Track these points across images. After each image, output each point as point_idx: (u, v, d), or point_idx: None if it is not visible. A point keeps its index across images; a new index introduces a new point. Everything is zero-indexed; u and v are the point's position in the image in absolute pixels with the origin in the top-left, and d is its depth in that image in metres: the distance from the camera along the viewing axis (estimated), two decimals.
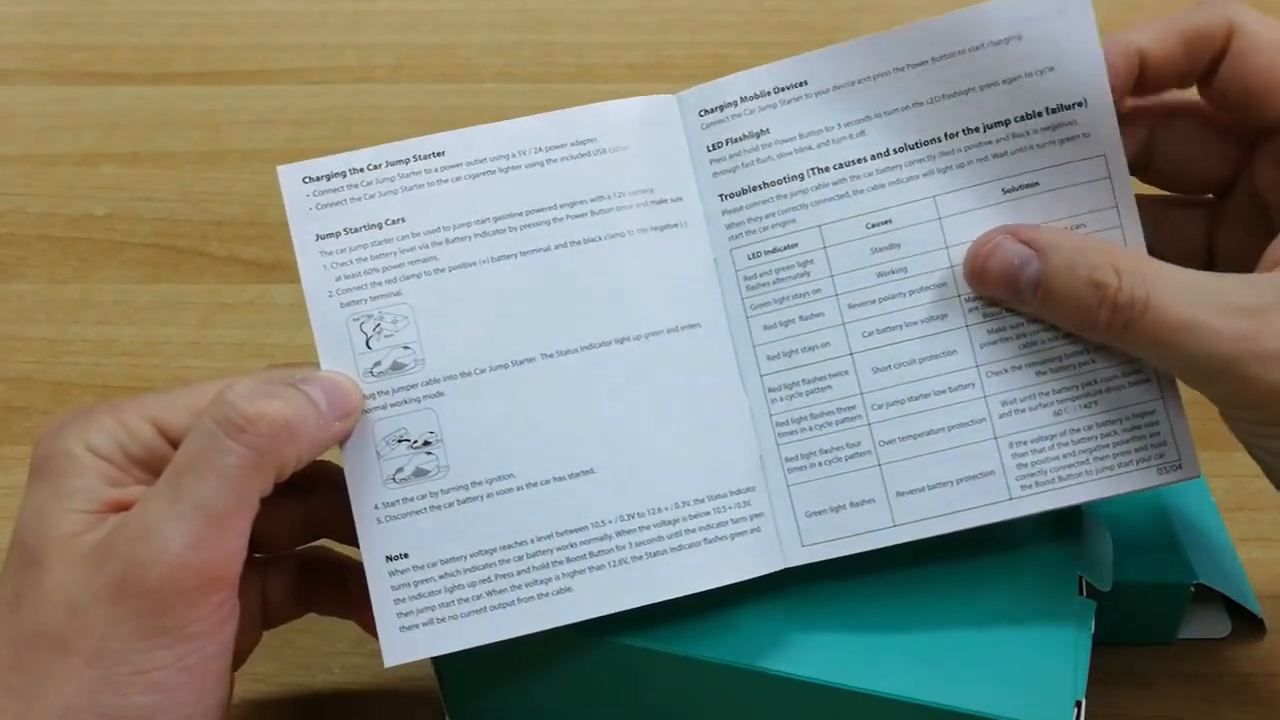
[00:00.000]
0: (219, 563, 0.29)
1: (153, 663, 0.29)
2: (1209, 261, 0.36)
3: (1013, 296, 0.32)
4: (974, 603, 0.34)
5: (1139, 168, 0.35)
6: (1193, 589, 0.40)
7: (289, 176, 0.34)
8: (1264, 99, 0.32)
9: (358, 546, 0.33)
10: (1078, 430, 0.33)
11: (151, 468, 0.32)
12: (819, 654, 0.33)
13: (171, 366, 0.54)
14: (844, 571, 0.34)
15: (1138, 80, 0.32)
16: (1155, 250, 0.33)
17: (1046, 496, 0.33)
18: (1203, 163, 0.34)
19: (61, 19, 0.73)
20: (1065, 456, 0.33)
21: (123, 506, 0.30)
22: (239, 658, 0.35)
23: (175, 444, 0.31)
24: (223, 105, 0.67)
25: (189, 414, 0.32)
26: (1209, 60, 0.32)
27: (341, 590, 0.37)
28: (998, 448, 0.33)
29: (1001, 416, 0.33)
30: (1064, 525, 0.36)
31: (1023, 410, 0.33)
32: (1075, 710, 0.31)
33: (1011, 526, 0.34)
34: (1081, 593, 0.34)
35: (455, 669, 0.38)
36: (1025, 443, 0.33)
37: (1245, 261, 0.33)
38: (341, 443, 0.33)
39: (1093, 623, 0.34)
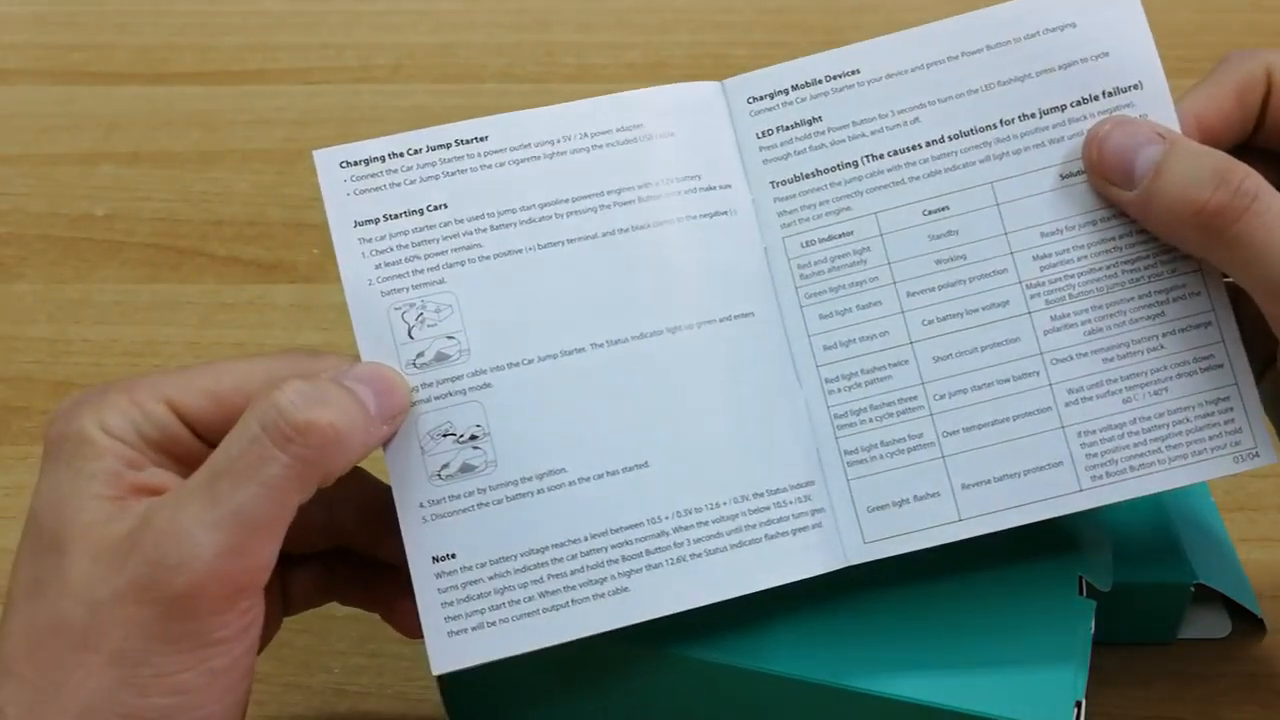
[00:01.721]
0: (252, 571, 0.29)
1: (175, 665, 0.28)
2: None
3: (1122, 175, 0.31)
4: (974, 603, 0.34)
5: None
6: (1193, 589, 0.40)
7: (326, 161, 0.33)
8: None
9: (378, 559, 0.32)
10: (1148, 418, 0.32)
11: (167, 450, 0.31)
12: (819, 654, 0.33)
13: (171, 367, 0.54)
14: (844, 572, 0.34)
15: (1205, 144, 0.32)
16: None
17: (1119, 487, 0.32)
18: None
19: (61, 19, 0.73)
20: (1136, 445, 0.32)
21: (143, 490, 0.30)
22: (259, 648, 0.34)
23: (191, 426, 0.31)
24: (222, 105, 0.67)
25: (205, 396, 0.31)
26: (1260, 108, 0.32)
27: (367, 583, 0.36)
28: (1065, 437, 0.33)
29: (1068, 405, 0.33)
30: (1063, 526, 0.36)
31: (1090, 398, 0.33)
32: (1075, 710, 0.31)
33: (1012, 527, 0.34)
34: (1081, 593, 0.34)
35: (459, 675, 0.37)
36: (1094, 431, 0.32)
37: (1262, 339, 0.32)
38: (385, 441, 0.32)
39: (1093, 623, 0.34)
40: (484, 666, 0.37)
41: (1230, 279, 0.33)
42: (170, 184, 0.62)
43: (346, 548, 0.36)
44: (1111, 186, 0.32)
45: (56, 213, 0.61)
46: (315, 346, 0.33)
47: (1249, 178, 0.30)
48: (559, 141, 0.33)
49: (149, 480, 0.30)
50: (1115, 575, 0.36)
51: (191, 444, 0.31)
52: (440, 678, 0.38)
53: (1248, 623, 0.42)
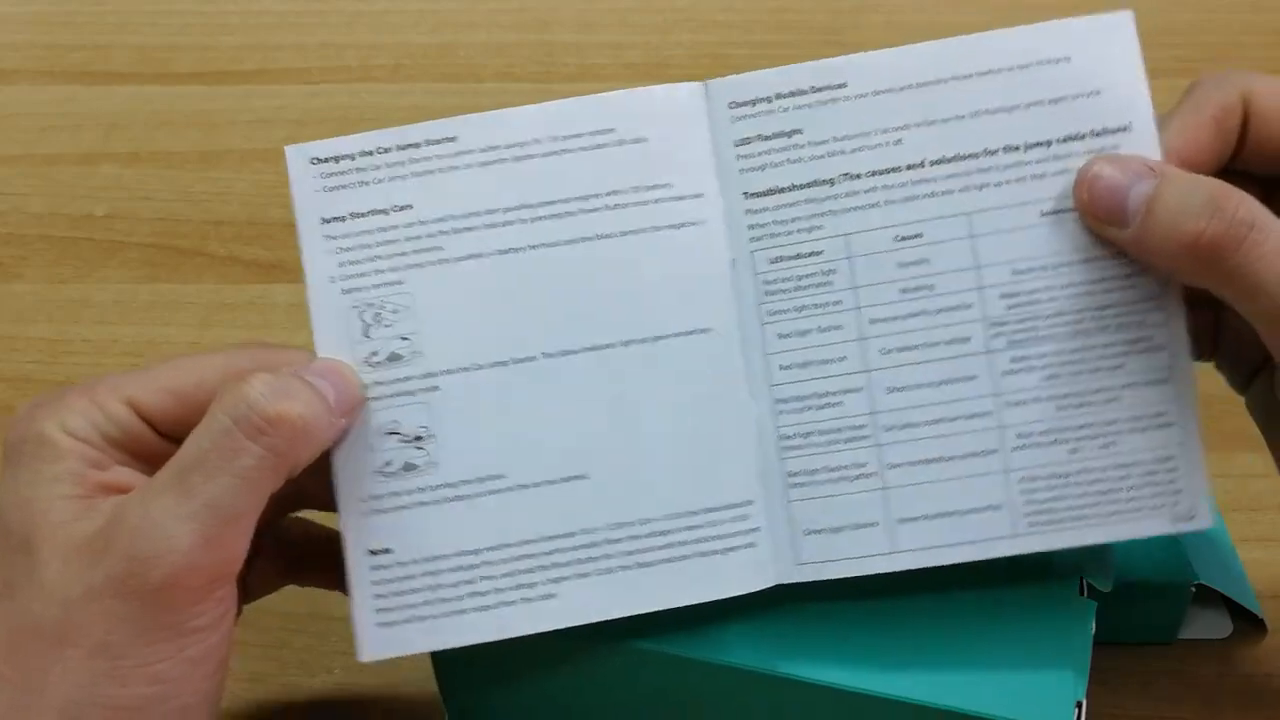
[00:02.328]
0: (227, 562, 0.29)
1: (155, 656, 0.29)
2: (1214, 353, 0.36)
3: (1116, 214, 0.31)
4: (974, 603, 0.34)
5: (1205, 353, 0.36)
6: (1193, 589, 0.40)
7: (296, 157, 0.33)
8: None
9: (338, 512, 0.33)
10: (1093, 470, 0.32)
11: (129, 449, 0.31)
12: (819, 655, 0.33)
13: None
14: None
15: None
16: None
17: (1054, 536, 0.32)
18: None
19: (61, 19, 0.73)
20: (1078, 497, 0.32)
21: (108, 488, 0.30)
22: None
23: (152, 424, 0.31)
24: (222, 105, 0.67)
25: (165, 394, 0.31)
26: (1239, 135, 0.32)
27: (322, 562, 0.36)
28: (1007, 481, 0.32)
29: (1015, 450, 0.32)
30: None
31: (1039, 445, 0.32)
32: (1076, 710, 0.31)
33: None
34: (1082, 593, 0.34)
35: (454, 669, 0.38)
36: (1037, 479, 0.32)
37: (1248, 351, 0.32)
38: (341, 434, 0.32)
39: (1093, 623, 0.34)
40: (482, 667, 0.37)
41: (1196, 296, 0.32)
42: (170, 184, 0.62)
43: (302, 518, 0.37)
44: (1107, 227, 0.31)
45: (56, 213, 0.61)
46: (309, 345, 0.33)
47: (1244, 205, 0.29)
48: (528, 144, 0.33)
49: (114, 479, 0.30)
50: (1116, 575, 0.36)
51: (154, 442, 0.31)
52: (439, 678, 0.38)
53: (1248, 623, 0.42)
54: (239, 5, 0.74)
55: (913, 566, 0.32)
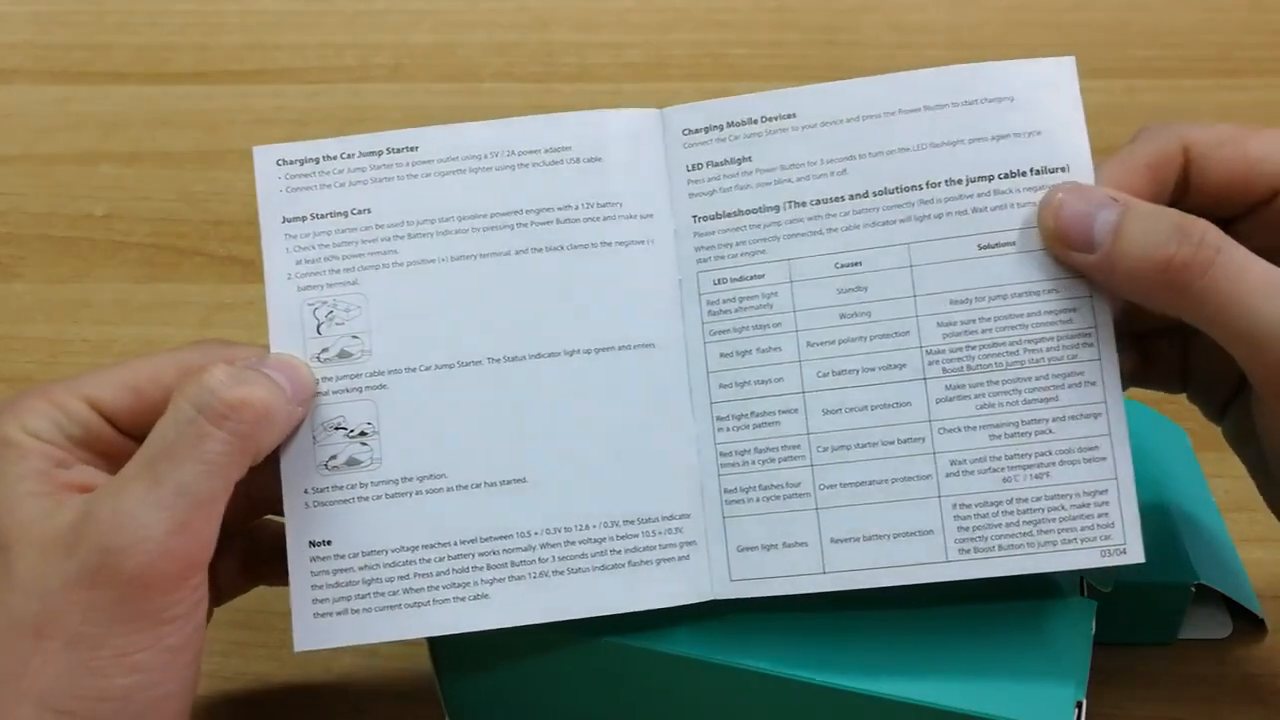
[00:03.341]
0: (199, 548, 0.30)
1: (132, 645, 0.29)
2: (1185, 384, 0.37)
3: (1082, 240, 0.31)
4: (974, 603, 0.34)
5: (1177, 386, 0.36)
6: (1193, 589, 0.40)
7: (264, 157, 0.34)
8: (1238, 188, 0.32)
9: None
10: (1025, 500, 0.32)
11: (91, 447, 0.32)
12: (818, 655, 0.33)
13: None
14: None
15: None
16: (1135, 375, 0.35)
17: (985, 564, 0.32)
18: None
19: (61, 19, 0.73)
20: (1009, 526, 0.32)
21: (74, 487, 0.30)
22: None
23: (112, 421, 0.32)
24: (221, 105, 0.67)
25: (124, 390, 0.32)
26: (1175, 182, 0.33)
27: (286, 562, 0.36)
28: (940, 507, 0.32)
29: (948, 476, 0.32)
30: None
31: (971, 473, 0.32)
32: (1076, 711, 0.31)
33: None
34: (1082, 593, 0.34)
35: (454, 669, 0.38)
36: (970, 506, 0.32)
37: (1219, 379, 0.33)
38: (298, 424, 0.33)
39: (1093, 623, 0.34)
40: (482, 667, 0.37)
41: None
42: (170, 184, 0.62)
43: (267, 519, 0.37)
44: (1071, 252, 0.32)
45: (55, 212, 0.61)
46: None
47: (1210, 231, 0.30)
48: (486, 157, 0.34)
49: (78, 478, 0.31)
50: (1116, 575, 0.36)
51: (115, 439, 0.32)
52: (438, 678, 0.38)
53: (1249, 623, 0.42)
54: (238, 5, 0.74)
55: (843, 588, 0.33)
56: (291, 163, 0.34)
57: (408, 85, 0.69)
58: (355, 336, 0.34)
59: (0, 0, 0.74)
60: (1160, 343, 0.36)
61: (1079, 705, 0.31)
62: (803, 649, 0.33)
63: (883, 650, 0.33)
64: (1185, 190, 0.33)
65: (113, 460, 0.32)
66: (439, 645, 0.37)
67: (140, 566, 0.28)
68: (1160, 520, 0.41)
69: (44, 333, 0.56)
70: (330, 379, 0.33)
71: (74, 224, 0.61)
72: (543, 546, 0.33)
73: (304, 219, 0.34)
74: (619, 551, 0.33)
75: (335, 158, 0.34)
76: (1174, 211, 0.31)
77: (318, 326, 0.34)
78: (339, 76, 0.69)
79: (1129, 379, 0.36)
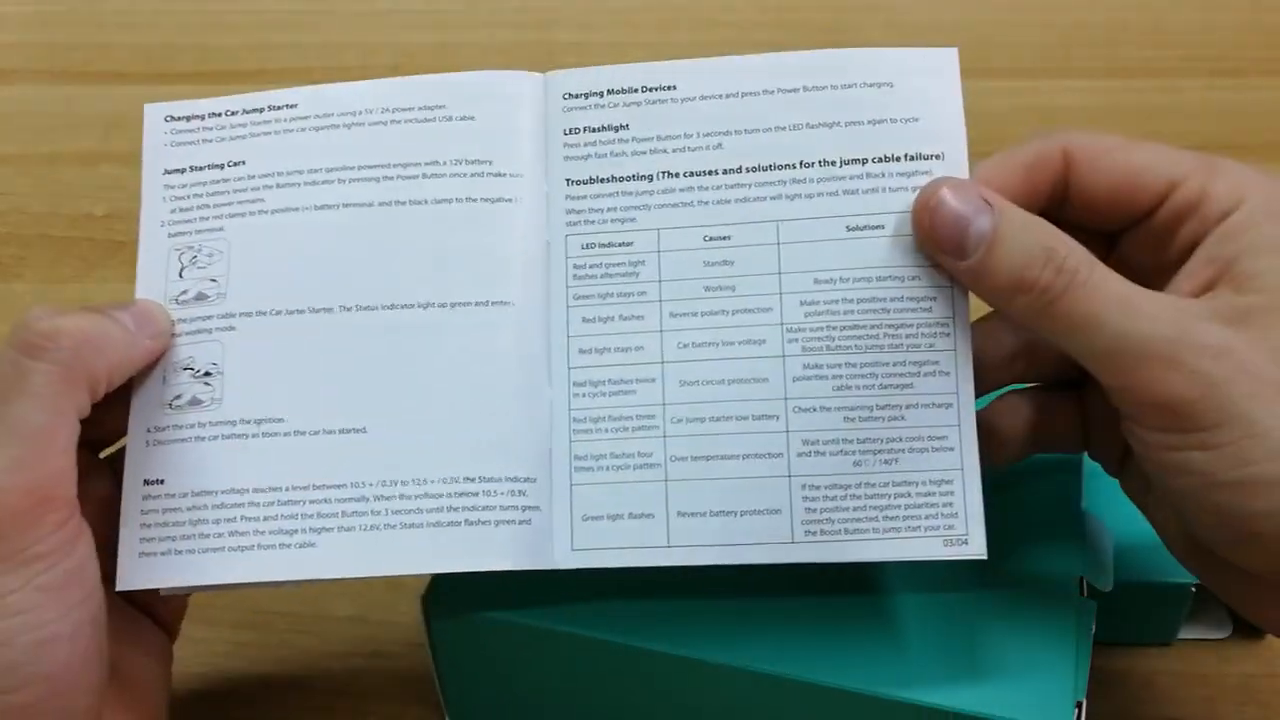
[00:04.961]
0: (46, 482, 0.29)
1: (2, 587, 0.29)
2: (1086, 440, 0.36)
3: (954, 247, 0.31)
4: (974, 603, 0.34)
5: (1076, 445, 0.36)
6: (1193, 589, 0.40)
7: (154, 113, 0.36)
8: (1121, 199, 0.32)
9: None
10: (873, 485, 0.32)
11: None
12: (817, 655, 0.33)
13: None
14: (842, 571, 0.34)
15: None
16: (1038, 438, 0.35)
17: (830, 547, 0.32)
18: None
19: (61, 19, 0.73)
20: (855, 510, 0.32)
21: None
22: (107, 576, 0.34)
23: None
24: None
25: None
26: (1052, 186, 0.32)
27: None
28: (790, 486, 0.32)
29: (800, 455, 0.32)
30: (1065, 525, 0.36)
31: (823, 454, 0.32)
32: (1075, 711, 0.31)
33: (1012, 525, 0.34)
34: (1082, 593, 0.35)
35: (454, 669, 0.38)
36: (819, 487, 0.32)
37: (1114, 429, 0.32)
38: (153, 357, 0.33)
39: (1093, 623, 0.34)
40: (483, 667, 0.37)
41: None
42: None
43: None
44: (944, 256, 0.32)
45: (56, 212, 0.61)
46: None
47: (1073, 254, 0.30)
48: (361, 114, 0.35)
49: None
50: (1116, 575, 0.36)
51: None
52: (439, 677, 0.38)
53: (1248, 623, 0.42)
54: (239, 4, 0.74)
55: (687, 563, 0.32)
56: (179, 119, 0.36)
57: None
58: (214, 280, 0.34)
59: (1, 1, 0.74)
60: (1058, 398, 0.35)
61: (1079, 705, 0.31)
62: (803, 649, 0.33)
63: (883, 651, 0.33)
64: (1065, 198, 0.33)
65: None
66: (439, 645, 0.37)
67: None
68: None
69: None
70: (185, 320, 0.34)
71: (74, 224, 0.61)
72: (376, 499, 0.32)
73: (183, 170, 0.35)
74: (456, 509, 0.32)
75: (220, 114, 0.35)
76: (1047, 229, 0.30)
77: (180, 270, 0.34)
78: (339, 77, 0.68)
79: (1031, 444, 0.35)
